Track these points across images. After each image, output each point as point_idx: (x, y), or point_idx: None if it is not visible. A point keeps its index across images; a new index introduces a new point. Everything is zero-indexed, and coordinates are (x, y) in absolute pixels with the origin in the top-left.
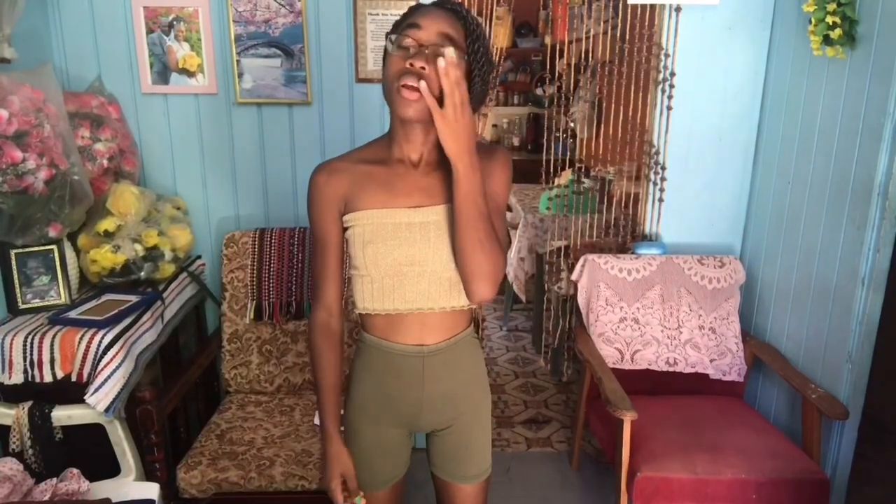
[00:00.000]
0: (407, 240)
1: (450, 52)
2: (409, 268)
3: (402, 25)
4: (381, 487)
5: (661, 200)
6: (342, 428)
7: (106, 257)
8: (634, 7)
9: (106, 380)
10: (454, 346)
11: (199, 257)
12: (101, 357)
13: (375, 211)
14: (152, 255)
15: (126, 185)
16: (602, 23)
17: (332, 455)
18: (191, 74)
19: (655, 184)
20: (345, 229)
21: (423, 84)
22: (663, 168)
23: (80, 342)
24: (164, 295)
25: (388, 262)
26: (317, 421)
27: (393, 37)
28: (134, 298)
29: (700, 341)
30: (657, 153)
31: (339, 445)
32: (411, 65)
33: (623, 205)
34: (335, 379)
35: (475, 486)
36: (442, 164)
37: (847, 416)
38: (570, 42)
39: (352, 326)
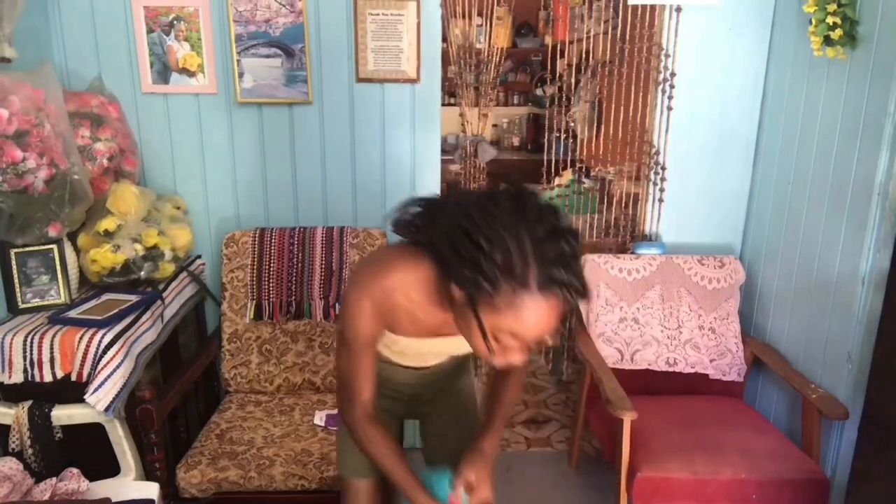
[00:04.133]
0: (428, 351)
1: None
2: (423, 357)
3: (501, 326)
4: (369, 475)
5: (661, 200)
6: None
7: (106, 257)
8: (635, 7)
9: (106, 379)
10: (452, 361)
11: (199, 257)
12: (101, 356)
13: (407, 339)
14: (152, 254)
15: (126, 185)
16: (602, 23)
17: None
18: (191, 74)
19: (655, 184)
20: None
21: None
22: (663, 168)
23: (80, 342)
24: (164, 294)
25: (406, 357)
26: (317, 421)
27: (486, 327)
28: (134, 298)
29: (700, 341)
30: (657, 153)
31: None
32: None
33: (623, 205)
34: (400, 458)
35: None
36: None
37: (847, 417)
38: (571, 42)
39: None
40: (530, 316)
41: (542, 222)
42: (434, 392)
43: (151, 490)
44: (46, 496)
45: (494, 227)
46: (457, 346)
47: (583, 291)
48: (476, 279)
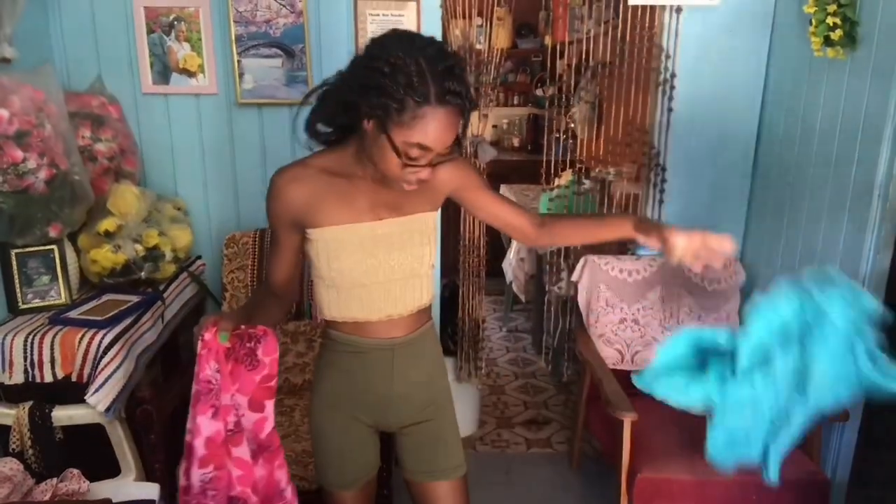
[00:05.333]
0: (372, 253)
1: None
2: (377, 278)
3: (410, 140)
4: (351, 487)
5: (661, 201)
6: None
7: (106, 257)
8: (635, 8)
9: (106, 380)
10: (420, 338)
11: (199, 257)
12: (102, 357)
13: (339, 228)
14: (153, 255)
15: (126, 186)
16: (602, 23)
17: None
18: (191, 74)
19: (655, 185)
20: (306, 237)
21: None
22: (663, 169)
23: (80, 342)
24: (165, 295)
25: (354, 276)
26: None
27: (398, 145)
28: (134, 298)
29: None
30: (657, 154)
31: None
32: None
33: (623, 206)
34: (260, 310)
35: (452, 484)
36: None
37: (847, 418)
38: (571, 43)
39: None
40: (435, 126)
41: (431, 46)
42: (416, 410)
43: (151, 491)
44: (47, 497)
45: (395, 55)
46: (401, 233)
47: (474, 100)
48: (384, 102)
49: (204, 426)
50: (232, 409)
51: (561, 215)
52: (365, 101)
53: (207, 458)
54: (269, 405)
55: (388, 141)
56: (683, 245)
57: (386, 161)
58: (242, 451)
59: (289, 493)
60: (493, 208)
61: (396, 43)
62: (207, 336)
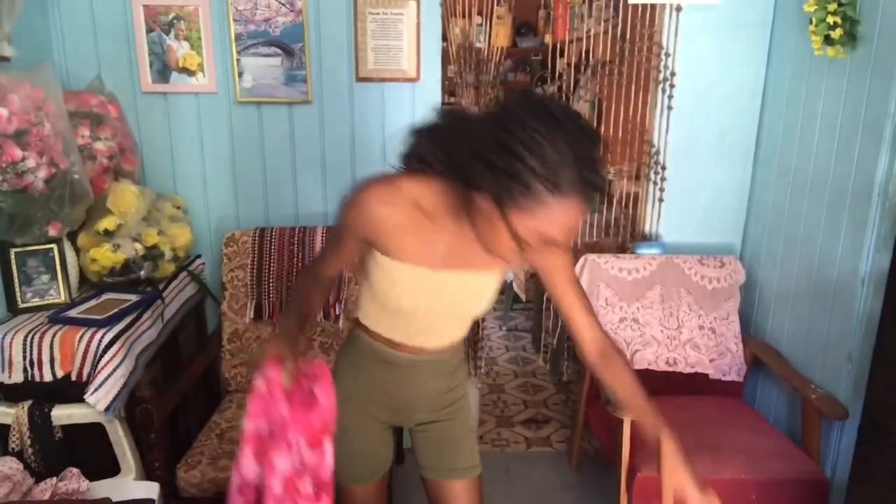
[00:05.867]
0: (431, 296)
1: None
2: (425, 315)
3: (533, 228)
4: (364, 481)
5: (661, 200)
6: None
7: (106, 256)
8: (635, 6)
9: (106, 379)
10: (449, 354)
11: (198, 256)
12: (101, 356)
13: (409, 266)
14: (152, 254)
15: (126, 184)
16: (602, 22)
17: (285, 330)
18: (191, 73)
19: (655, 183)
20: (371, 254)
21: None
22: (663, 168)
23: (80, 341)
24: (164, 294)
25: (404, 306)
26: None
27: (517, 230)
28: (134, 297)
29: (700, 341)
30: (657, 153)
31: (294, 330)
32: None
33: (623, 204)
34: (313, 308)
35: (466, 483)
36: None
37: (847, 417)
38: (571, 41)
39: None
40: (564, 217)
41: (570, 121)
42: (433, 411)
43: (151, 490)
44: (46, 496)
45: (531, 135)
46: (464, 288)
47: (606, 190)
48: (509, 185)
49: (280, 465)
50: (295, 446)
51: (624, 362)
52: (488, 176)
53: (282, 498)
54: (328, 442)
55: (505, 224)
56: (689, 496)
57: (497, 242)
58: (305, 486)
59: None
60: (566, 302)
61: (534, 116)
62: (272, 374)
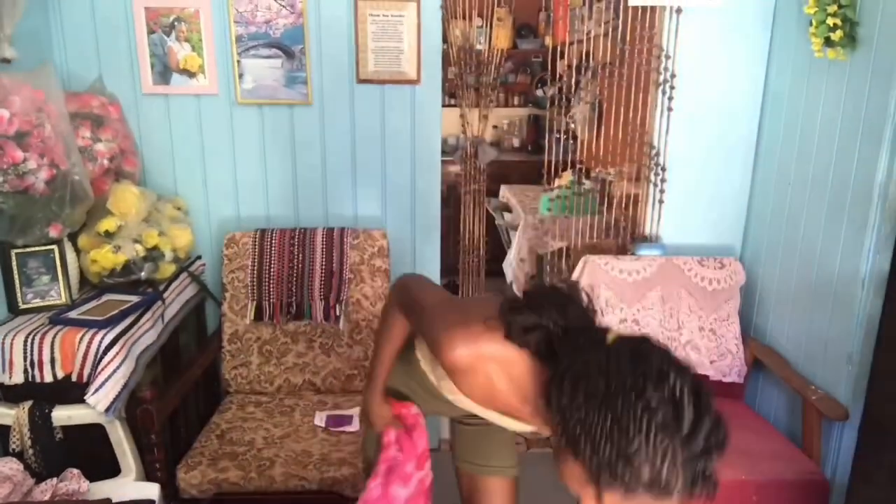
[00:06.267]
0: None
1: None
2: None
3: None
4: None
5: (661, 202)
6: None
7: (106, 257)
8: (635, 8)
9: (106, 380)
10: None
11: (199, 257)
12: (102, 357)
13: (466, 400)
14: (153, 255)
15: (127, 186)
16: (602, 24)
17: (375, 405)
18: (192, 75)
19: (656, 185)
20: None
21: None
22: (663, 169)
23: (80, 342)
24: (165, 295)
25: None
26: (317, 422)
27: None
28: (134, 299)
29: (700, 342)
30: (657, 154)
31: (383, 398)
32: None
33: (623, 206)
34: (396, 349)
35: (501, 481)
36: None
37: (847, 418)
38: (571, 43)
39: (351, 327)
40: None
41: (698, 432)
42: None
43: (152, 490)
44: (47, 496)
45: (646, 434)
46: (517, 426)
47: (715, 489)
48: (616, 468)
49: (398, 495)
50: (411, 476)
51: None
52: (594, 451)
53: None
54: (427, 464)
55: (595, 492)
56: None
57: (574, 487)
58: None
59: None
60: None
61: (659, 418)
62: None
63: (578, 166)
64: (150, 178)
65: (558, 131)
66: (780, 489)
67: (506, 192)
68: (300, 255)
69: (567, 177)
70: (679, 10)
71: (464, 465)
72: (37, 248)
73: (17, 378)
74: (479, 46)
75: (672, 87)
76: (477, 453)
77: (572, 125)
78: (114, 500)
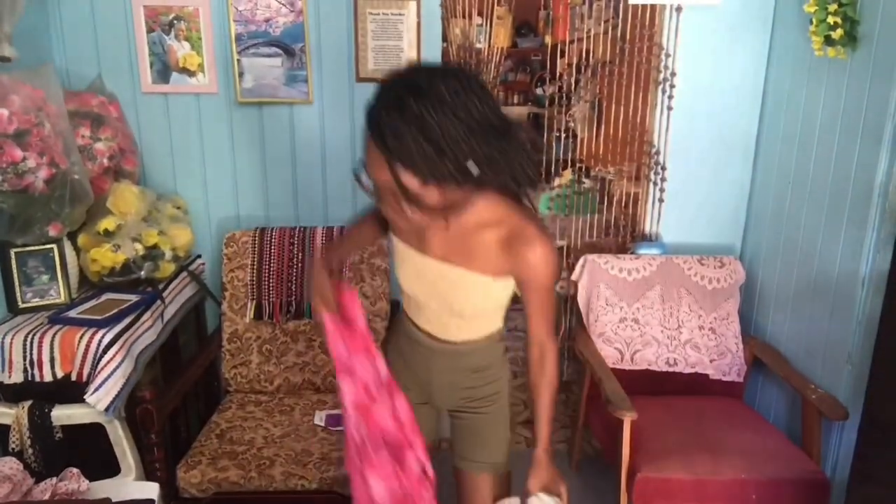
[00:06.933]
0: (427, 284)
1: None
2: (426, 302)
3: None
4: None
5: (661, 200)
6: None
7: (106, 256)
8: (635, 7)
9: (106, 379)
10: (467, 352)
11: (199, 257)
12: (101, 356)
13: (409, 249)
14: (152, 254)
15: (126, 185)
16: (602, 22)
17: (319, 273)
18: (191, 74)
19: (655, 184)
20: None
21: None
22: (663, 168)
23: (80, 341)
24: (164, 294)
25: (412, 291)
26: (317, 421)
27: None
28: (134, 298)
29: (700, 341)
30: (657, 153)
31: (321, 268)
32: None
33: (623, 205)
34: (357, 237)
35: (481, 478)
36: (472, 231)
37: (847, 417)
38: (571, 42)
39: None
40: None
41: (419, 71)
42: (458, 401)
43: (151, 490)
44: (46, 496)
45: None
46: (453, 283)
47: (394, 147)
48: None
49: (346, 390)
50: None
51: (552, 374)
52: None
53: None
54: (373, 347)
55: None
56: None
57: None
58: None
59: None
60: (527, 311)
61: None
62: (329, 323)
63: (578, 165)
64: (150, 178)
65: (558, 130)
66: (780, 488)
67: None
68: (300, 254)
69: (567, 175)
70: (679, 9)
71: (454, 459)
72: (36, 248)
73: (17, 377)
74: (478, 45)
75: (672, 86)
76: (463, 446)
77: (572, 124)
78: (113, 500)
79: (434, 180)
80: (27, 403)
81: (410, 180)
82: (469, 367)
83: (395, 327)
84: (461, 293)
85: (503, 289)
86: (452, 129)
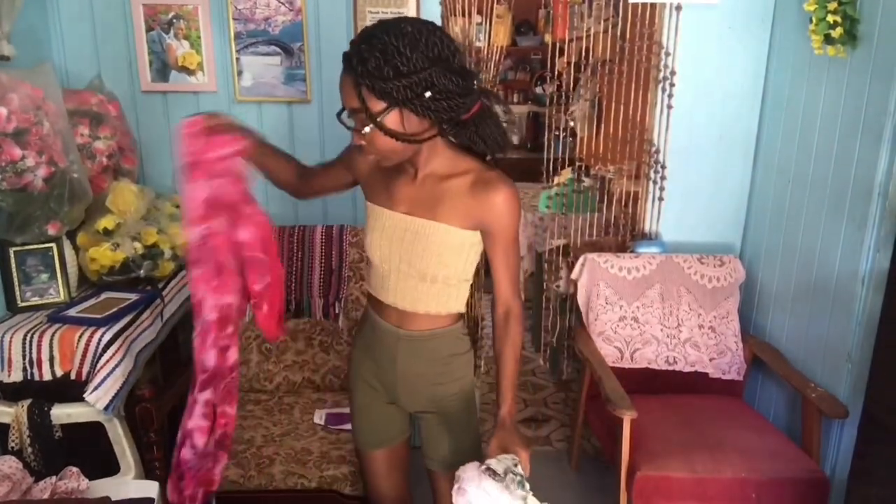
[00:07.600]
0: (390, 240)
1: None
2: (391, 265)
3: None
4: (374, 447)
5: (660, 199)
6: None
7: (105, 255)
8: (635, 5)
9: (105, 378)
10: (431, 338)
11: None
12: (101, 355)
13: (378, 208)
14: (151, 252)
15: (125, 183)
16: (602, 21)
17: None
18: (190, 72)
19: (655, 182)
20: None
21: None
22: (663, 167)
23: (79, 340)
24: (164, 293)
25: (373, 254)
26: (317, 419)
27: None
28: (133, 296)
29: (700, 340)
30: (657, 152)
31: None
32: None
33: (623, 203)
34: (271, 157)
35: (450, 475)
36: (439, 181)
37: (847, 416)
38: (570, 40)
39: (351, 325)
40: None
41: (389, 21)
42: (424, 402)
43: (151, 489)
44: (46, 495)
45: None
46: (422, 236)
47: (365, 72)
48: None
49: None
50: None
51: (517, 333)
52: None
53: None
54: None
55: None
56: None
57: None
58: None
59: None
60: (493, 267)
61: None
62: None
63: (578, 164)
64: (149, 176)
65: (558, 128)
66: (780, 487)
67: None
68: (299, 253)
69: (566, 174)
70: (679, 7)
71: (424, 459)
72: (35, 246)
73: (16, 376)
74: (478, 43)
75: (672, 85)
76: (429, 446)
77: (572, 122)
78: (113, 499)
79: (394, 102)
80: (26, 402)
81: (375, 104)
82: (433, 358)
83: (361, 325)
84: (425, 246)
85: (469, 246)
86: (413, 56)
